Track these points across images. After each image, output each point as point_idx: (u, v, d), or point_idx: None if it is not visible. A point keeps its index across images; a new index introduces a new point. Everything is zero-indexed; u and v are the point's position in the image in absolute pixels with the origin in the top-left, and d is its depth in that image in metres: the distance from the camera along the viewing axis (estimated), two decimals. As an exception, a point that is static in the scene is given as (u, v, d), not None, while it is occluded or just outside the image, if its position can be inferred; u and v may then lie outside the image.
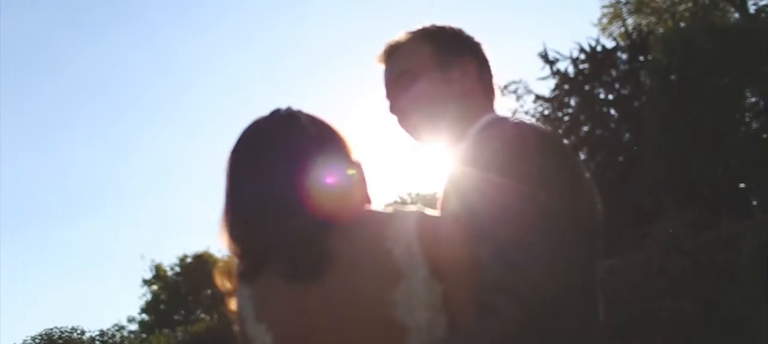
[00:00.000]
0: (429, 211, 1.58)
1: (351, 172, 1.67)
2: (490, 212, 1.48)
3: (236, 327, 1.68)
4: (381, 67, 1.92)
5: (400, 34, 1.90)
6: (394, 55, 1.88)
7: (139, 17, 36.62)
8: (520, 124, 1.64)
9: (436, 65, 1.83)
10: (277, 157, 1.61)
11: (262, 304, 1.59)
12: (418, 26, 1.91)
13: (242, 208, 1.63)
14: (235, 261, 1.68)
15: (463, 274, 1.48)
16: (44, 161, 35.73)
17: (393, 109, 1.86)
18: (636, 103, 16.12)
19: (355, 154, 1.71)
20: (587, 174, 1.65)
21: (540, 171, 1.50)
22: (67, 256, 36.33)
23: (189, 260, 28.08)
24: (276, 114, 1.70)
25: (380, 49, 1.91)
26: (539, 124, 1.69)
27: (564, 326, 1.39)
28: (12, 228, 35.59)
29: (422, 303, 1.48)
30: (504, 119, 1.79)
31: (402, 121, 1.86)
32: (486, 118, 1.80)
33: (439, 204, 1.81)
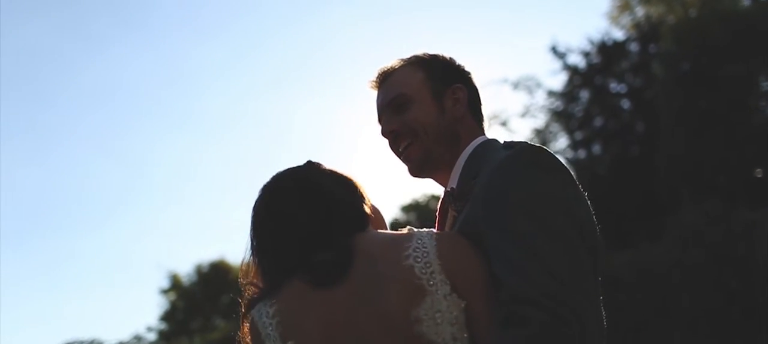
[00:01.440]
0: (441, 231, 1.65)
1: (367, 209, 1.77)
2: (506, 230, 1.55)
3: None
4: (374, 93, 1.97)
5: (393, 61, 1.96)
6: (387, 80, 1.94)
7: (149, 26, 36.77)
8: (517, 152, 1.68)
9: (428, 92, 1.88)
10: (300, 213, 1.71)
11: (286, 325, 1.64)
12: (411, 54, 1.97)
13: (271, 248, 1.73)
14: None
15: (481, 289, 1.56)
16: (57, 172, 35.93)
17: (385, 133, 1.91)
18: (648, 94, 16.00)
19: (370, 202, 1.80)
20: (580, 187, 1.70)
21: (546, 191, 1.58)
22: (83, 267, 36.56)
23: (205, 269, 28.25)
24: (295, 173, 1.80)
25: (373, 75, 1.97)
26: (534, 143, 1.74)
27: (586, 333, 1.45)
28: (27, 241, 35.85)
29: (446, 318, 1.53)
30: (493, 141, 1.86)
31: (393, 144, 1.92)
32: (475, 142, 1.87)
33: (437, 221, 1.94)
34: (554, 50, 17.13)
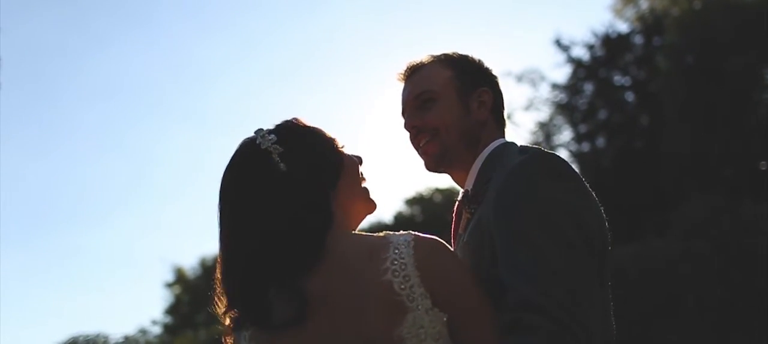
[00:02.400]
0: (421, 236, 1.56)
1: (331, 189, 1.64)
2: (515, 235, 1.54)
3: None
4: (400, 85, 1.97)
5: (423, 56, 1.97)
6: (414, 75, 1.94)
7: (153, 21, 36.67)
8: (529, 158, 1.69)
9: (454, 91, 1.89)
10: (245, 207, 1.60)
11: None
12: (441, 52, 1.97)
13: (226, 264, 1.62)
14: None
15: (463, 299, 1.51)
16: (61, 168, 35.90)
17: (408, 127, 1.90)
18: (652, 87, 15.97)
19: (343, 149, 1.70)
20: (593, 194, 1.70)
21: (556, 198, 1.57)
22: (88, 262, 36.60)
23: (209, 262, 28.31)
24: (243, 151, 1.67)
25: (402, 67, 1.97)
26: (545, 149, 1.76)
27: (592, 341, 1.45)
28: (32, 236, 35.91)
29: (429, 334, 1.48)
30: (510, 145, 1.86)
31: (414, 139, 1.91)
32: (493, 145, 1.87)
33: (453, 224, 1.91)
34: (558, 43, 17.11)
